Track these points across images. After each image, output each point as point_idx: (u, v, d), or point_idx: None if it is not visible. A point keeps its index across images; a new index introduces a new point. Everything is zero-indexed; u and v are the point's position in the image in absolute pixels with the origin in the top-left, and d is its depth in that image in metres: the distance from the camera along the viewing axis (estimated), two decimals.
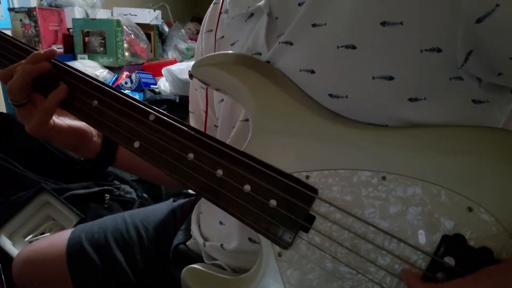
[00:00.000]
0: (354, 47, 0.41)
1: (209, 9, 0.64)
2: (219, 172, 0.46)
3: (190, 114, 0.73)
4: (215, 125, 0.65)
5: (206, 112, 0.66)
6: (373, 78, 0.41)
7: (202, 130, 0.68)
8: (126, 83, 1.76)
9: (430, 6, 0.38)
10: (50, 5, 1.84)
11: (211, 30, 0.62)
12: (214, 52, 0.61)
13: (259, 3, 0.49)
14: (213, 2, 0.64)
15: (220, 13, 0.60)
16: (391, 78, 0.41)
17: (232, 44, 0.56)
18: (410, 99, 0.41)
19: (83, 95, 0.55)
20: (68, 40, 1.89)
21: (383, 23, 0.40)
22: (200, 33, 0.67)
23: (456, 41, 0.38)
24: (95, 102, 0.54)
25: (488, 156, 0.38)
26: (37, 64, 0.55)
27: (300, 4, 0.47)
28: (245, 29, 0.54)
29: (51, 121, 0.57)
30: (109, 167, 0.69)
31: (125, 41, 1.91)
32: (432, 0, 0.38)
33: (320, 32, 0.44)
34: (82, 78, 0.56)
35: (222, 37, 0.59)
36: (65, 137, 0.61)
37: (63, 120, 0.61)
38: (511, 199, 0.37)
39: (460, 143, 0.39)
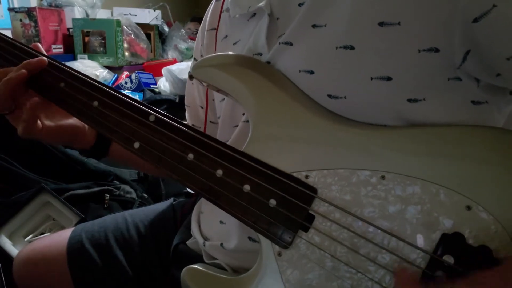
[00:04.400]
0: (352, 48, 0.41)
1: (211, 7, 0.64)
2: (219, 172, 0.46)
3: (186, 108, 0.73)
4: (211, 121, 0.66)
5: (206, 109, 0.66)
6: (372, 78, 0.41)
7: (198, 125, 0.69)
8: (126, 83, 1.76)
9: (427, 6, 0.38)
10: (50, 5, 1.84)
11: (214, 29, 0.62)
12: (215, 50, 0.61)
13: (260, 4, 0.49)
14: (214, 0, 0.64)
15: (222, 11, 0.60)
16: (389, 79, 0.41)
17: (234, 44, 0.56)
18: (410, 100, 0.41)
19: (84, 96, 0.55)
20: (68, 40, 1.90)
21: (381, 24, 0.40)
22: (201, 30, 0.66)
23: (454, 41, 0.38)
24: (95, 103, 0.54)
25: (487, 155, 0.38)
26: (19, 72, 0.55)
27: (300, 5, 0.47)
28: (247, 28, 0.54)
29: (38, 124, 0.58)
30: (111, 169, 0.70)
31: (125, 41, 1.91)
32: (430, 0, 0.38)
33: (319, 33, 0.44)
34: (82, 79, 0.57)
35: (226, 36, 0.59)
36: (55, 137, 0.63)
37: (52, 120, 0.62)
38: (510, 198, 0.37)
39: (459, 143, 0.39)
